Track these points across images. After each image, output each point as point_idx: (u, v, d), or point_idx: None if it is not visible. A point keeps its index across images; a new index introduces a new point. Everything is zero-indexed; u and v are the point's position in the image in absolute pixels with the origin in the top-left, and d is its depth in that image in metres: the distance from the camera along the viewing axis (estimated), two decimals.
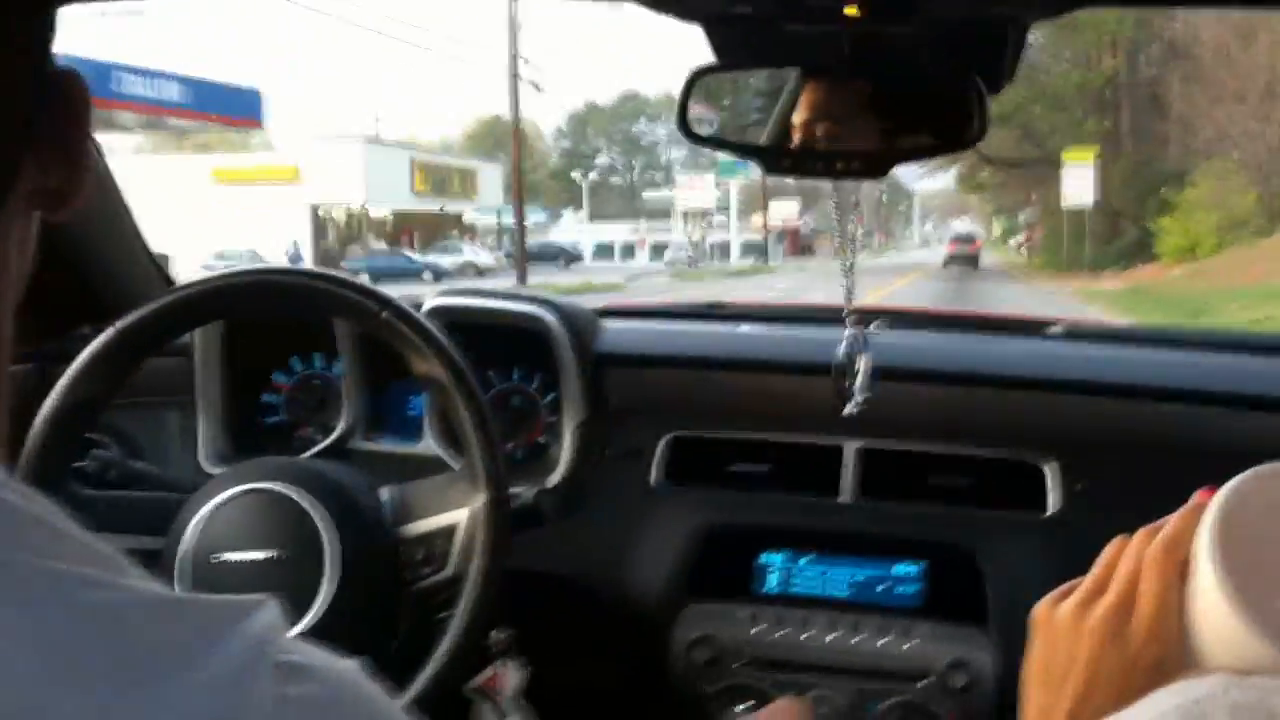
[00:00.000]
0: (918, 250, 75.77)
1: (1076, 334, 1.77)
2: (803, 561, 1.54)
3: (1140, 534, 0.70)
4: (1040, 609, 0.73)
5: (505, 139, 68.05)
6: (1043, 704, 0.71)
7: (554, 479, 1.62)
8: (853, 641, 1.49)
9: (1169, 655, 0.65)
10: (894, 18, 1.07)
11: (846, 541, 1.55)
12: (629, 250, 61.65)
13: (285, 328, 1.68)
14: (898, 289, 26.96)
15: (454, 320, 1.51)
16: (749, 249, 58.88)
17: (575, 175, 75.51)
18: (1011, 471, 1.55)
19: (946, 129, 1.17)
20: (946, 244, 50.48)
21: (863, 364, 1.47)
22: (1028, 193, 48.46)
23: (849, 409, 1.46)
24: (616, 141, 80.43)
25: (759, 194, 57.36)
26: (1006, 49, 1.15)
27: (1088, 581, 0.71)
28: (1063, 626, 0.71)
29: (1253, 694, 0.47)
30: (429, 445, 1.62)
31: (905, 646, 1.48)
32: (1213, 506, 0.63)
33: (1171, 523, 0.68)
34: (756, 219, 61.93)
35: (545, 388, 1.69)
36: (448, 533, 1.30)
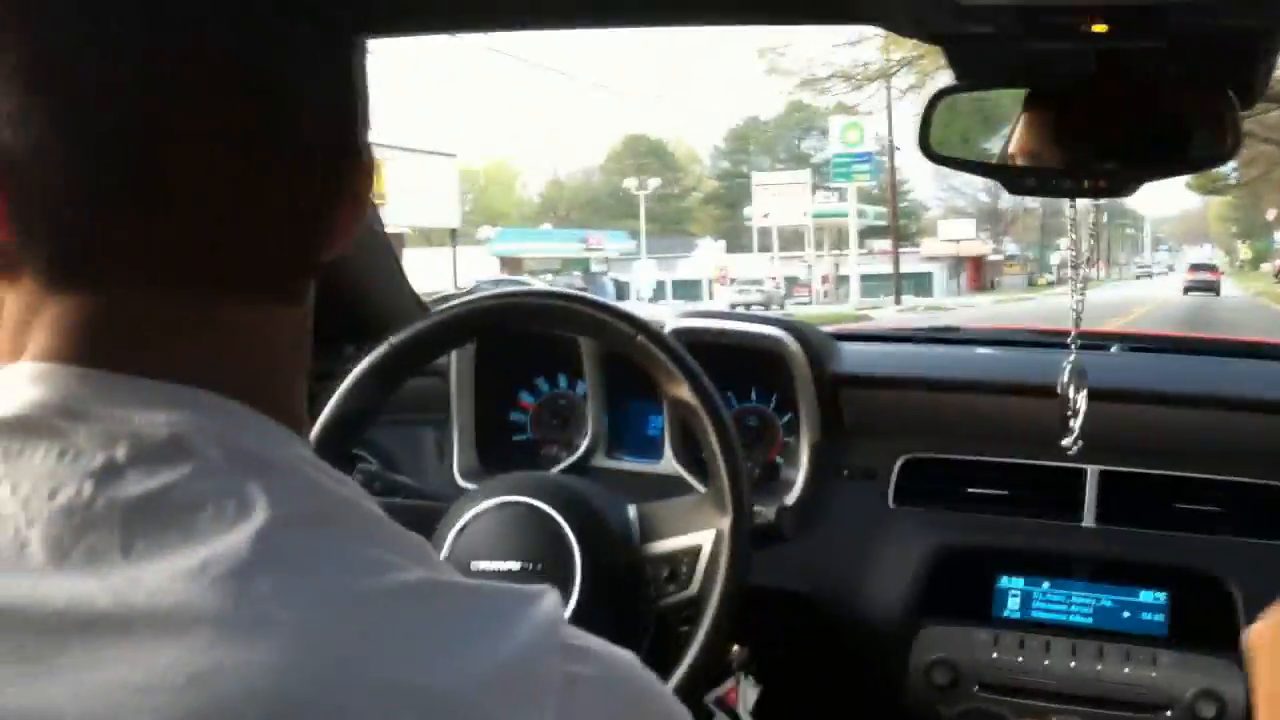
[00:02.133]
0: (1143, 282, 69.84)
1: None
2: (1044, 586, 1.62)
3: None
4: (1260, 632, 0.77)
5: (646, 158, 65.10)
6: None
7: (791, 498, 1.74)
8: (1096, 669, 1.56)
9: None
10: (1142, 33, 1.11)
11: (1086, 566, 1.62)
12: (691, 290, 49.58)
13: (532, 349, 1.86)
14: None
15: (695, 341, 1.65)
16: (875, 282, 46.76)
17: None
18: (1259, 496, 1.61)
19: (1197, 146, 1.23)
20: (1185, 271, 49.33)
21: (1085, 387, 1.52)
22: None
23: (1068, 439, 1.51)
24: (781, 160, 73.97)
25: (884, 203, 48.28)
26: (1259, 62, 1.20)
27: None
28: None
29: None
30: (669, 464, 1.77)
31: (1151, 675, 1.53)
32: None
33: None
34: (929, 244, 55.90)
35: (782, 408, 1.83)
36: (692, 553, 1.40)
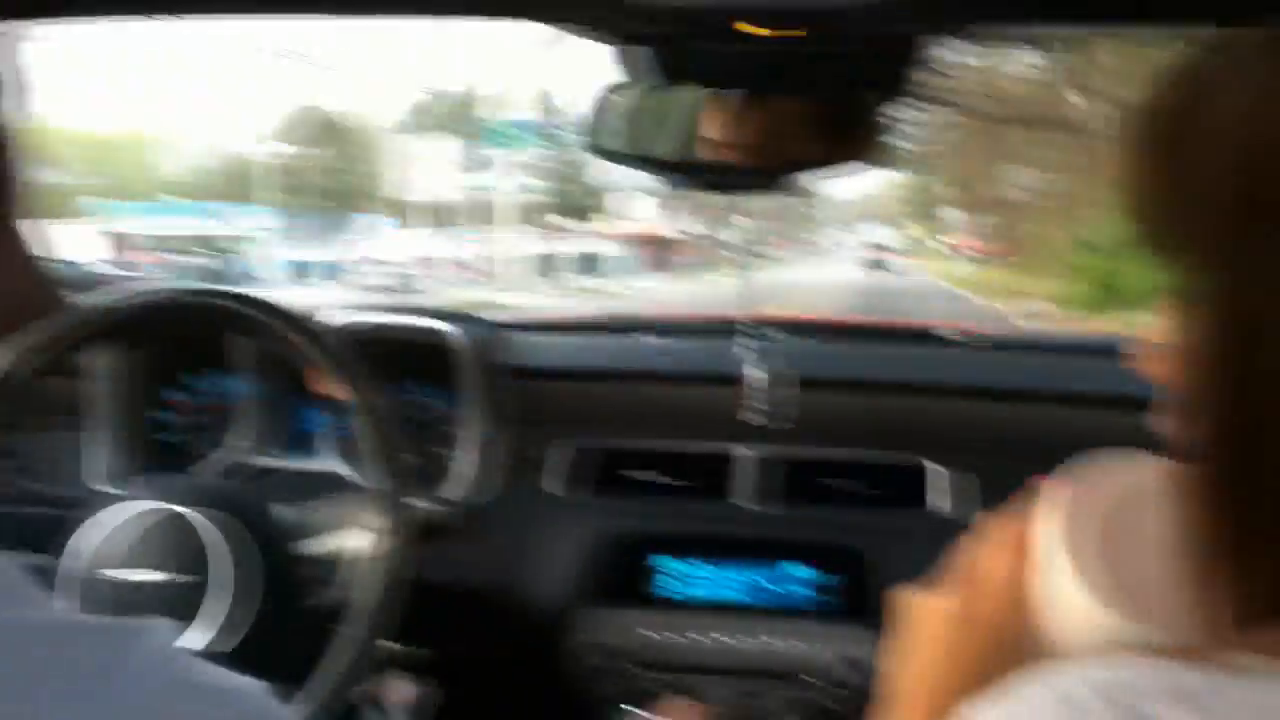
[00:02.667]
0: (825, 263, 72.90)
1: (965, 342, 2.02)
2: (698, 566, 1.74)
3: (994, 523, 0.80)
4: (903, 596, 0.84)
5: (319, 130, 59.93)
6: (905, 686, 0.81)
7: (457, 492, 1.79)
8: (747, 644, 1.69)
9: (1023, 635, 0.74)
10: (794, 35, 1.23)
11: (742, 546, 1.75)
12: (332, 271, 45.33)
13: (184, 344, 1.84)
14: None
15: (358, 336, 1.65)
16: (548, 264, 46.18)
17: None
18: (903, 474, 1.79)
19: (850, 143, 1.35)
20: (865, 250, 53.56)
21: (757, 374, 1.70)
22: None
23: (747, 417, 1.68)
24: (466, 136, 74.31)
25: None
26: (907, 67, 1.33)
27: (947, 572, 0.81)
28: (923, 615, 0.81)
29: (1113, 672, 0.52)
30: (330, 462, 1.78)
31: (800, 646, 1.68)
32: (1062, 494, 0.72)
33: (1021, 511, 0.77)
34: (609, 222, 54.44)
35: (448, 401, 1.87)
36: (351, 552, 1.43)
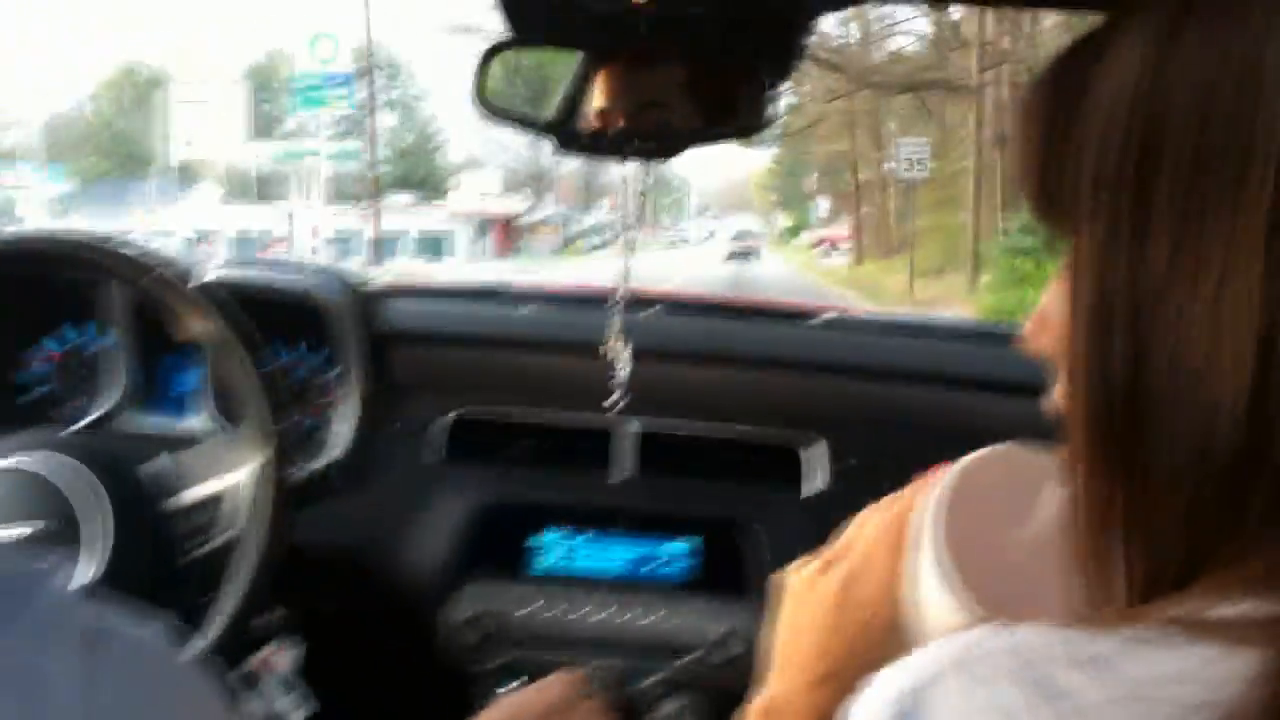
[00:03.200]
0: (690, 247, 70.35)
1: (841, 323, 2.10)
2: (578, 540, 1.79)
3: (880, 505, 0.84)
4: (785, 574, 0.88)
5: (147, 89, 56.89)
6: (784, 664, 0.85)
7: (335, 453, 1.80)
8: (625, 618, 1.75)
9: (897, 619, 0.77)
10: (678, 2, 1.24)
11: (621, 519, 1.80)
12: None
13: (55, 294, 1.80)
14: None
15: (236, 292, 1.65)
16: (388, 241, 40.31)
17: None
18: (779, 450, 1.85)
19: (736, 114, 1.39)
20: (729, 240, 54.13)
21: (628, 346, 1.72)
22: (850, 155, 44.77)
23: (611, 393, 1.70)
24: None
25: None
26: (793, 37, 1.37)
27: (829, 549, 0.86)
28: (804, 590, 0.85)
29: (1016, 638, 0.51)
30: (207, 420, 1.78)
31: (676, 621, 1.75)
32: (939, 484, 0.76)
33: (902, 497, 0.82)
34: (457, 199, 51.17)
35: (329, 362, 1.88)
36: (230, 494, 1.45)
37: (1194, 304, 0.49)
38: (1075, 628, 0.50)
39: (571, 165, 60.20)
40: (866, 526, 0.84)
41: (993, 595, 0.69)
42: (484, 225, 51.62)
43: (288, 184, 40.82)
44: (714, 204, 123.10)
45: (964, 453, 0.81)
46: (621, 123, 1.38)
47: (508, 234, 54.30)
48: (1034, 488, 0.72)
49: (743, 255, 49.23)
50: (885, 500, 0.84)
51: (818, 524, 1.77)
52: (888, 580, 0.79)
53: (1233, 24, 0.50)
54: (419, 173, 58.71)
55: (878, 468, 1.74)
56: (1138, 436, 0.52)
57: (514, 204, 55.32)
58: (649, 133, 1.39)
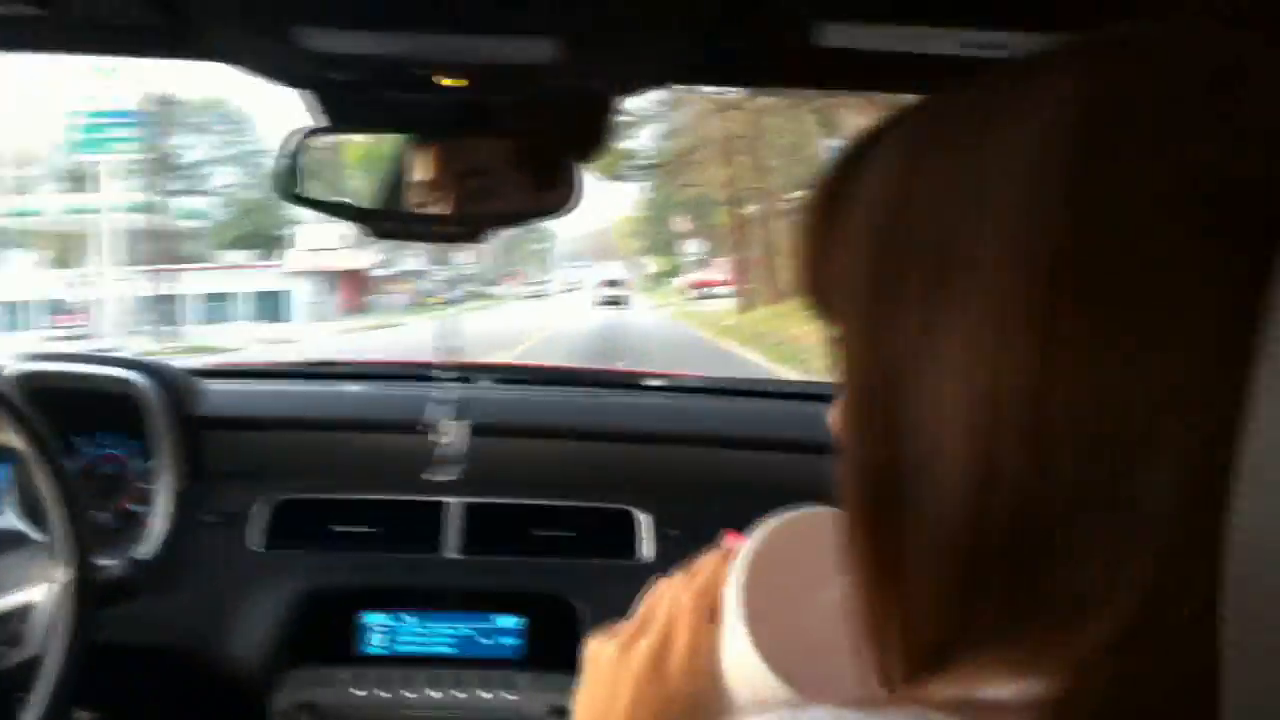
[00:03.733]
0: (551, 298, 67.39)
1: (668, 388, 2.22)
2: (405, 621, 1.85)
3: (678, 576, 0.86)
4: (590, 647, 0.89)
5: None
6: None
7: (147, 549, 1.83)
8: (458, 696, 1.81)
9: (703, 691, 0.80)
10: (493, 90, 1.36)
11: (450, 598, 1.86)
12: None
13: None
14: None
15: (38, 386, 1.68)
16: (216, 303, 42.28)
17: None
18: (608, 521, 1.94)
19: (544, 195, 1.48)
20: (598, 286, 54.23)
21: (453, 422, 1.81)
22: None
23: (436, 470, 1.79)
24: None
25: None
26: (600, 121, 1.48)
27: (633, 622, 0.87)
28: (608, 663, 0.86)
29: None
30: (9, 520, 1.78)
31: (509, 697, 1.81)
32: (740, 552, 0.77)
33: (702, 567, 0.85)
34: (298, 256, 48.00)
35: (144, 454, 1.91)
36: (25, 611, 1.46)
37: (929, 391, 0.53)
38: (855, 710, 0.52)
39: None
40: (667, 598, 0.86)
41: (798, 668, 0.72)
42: (331, 280, 49.84)
43: (86, 245, 38.05)
44: (584, 252, 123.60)
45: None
46: (439, 193, 1.46)
47: (358, 289, 52.68)
48: (835, 551, 0.71)
49: (612, 303, 49.54)
50: (683, 571, 0.87)
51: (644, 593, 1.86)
52: (695, 653, 0.81)
53: (965, 143, 0.55)
54: (267, 230, 56.97)
55: (703, 535, 1.83)
56: (892, 515, 0.55)
57: (363, 258, 52.17)
58: (455, 215, 1.48)
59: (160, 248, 37.33)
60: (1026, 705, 0.48)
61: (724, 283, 51.16)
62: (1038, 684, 0.49)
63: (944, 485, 0.52)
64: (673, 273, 71.79)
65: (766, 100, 30.69)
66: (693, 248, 63.45)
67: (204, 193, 58.72)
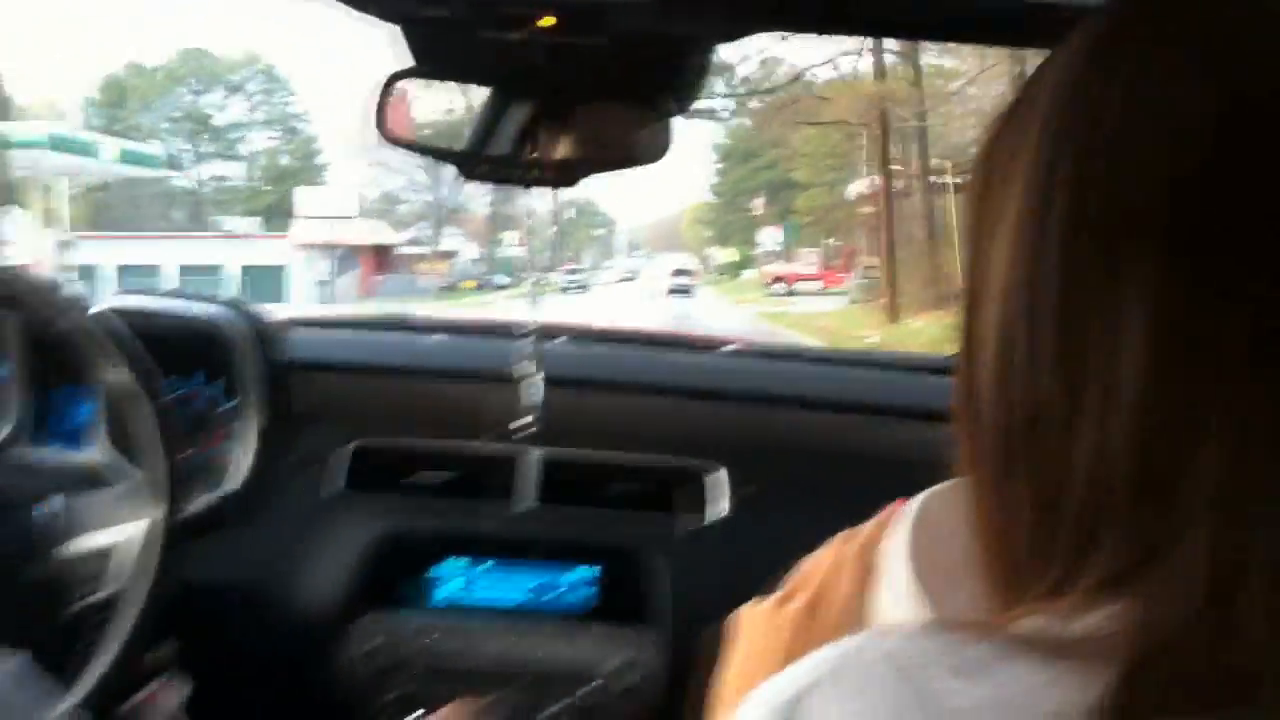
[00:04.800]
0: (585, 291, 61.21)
1: (746, 352, 2.38)
2: (479, 569, 2.02)
3: (837, 539, 0.95)
4: (741, 611, 0.97)
5: None
6: (736, 696, 0.90)
7: (233, 485, 2.02)
8: (524, 648, 1.98)
9: None
10: (585, 31, 1.44)
11: (524, 548, 2.04)
12: None
13: None
14: None
15: (132, 322, 1.81)
16: (199, 276, 38.80)
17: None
18: (683, 478, 2.10)
19: (635, 144, 1.62)
20: (669, 275, 54.88)
21: (536, 376, 1.98)
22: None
23: (521, 420, 1.96)
24: (174, 119, 66.21)
25: None
26: (690, 69, 1.60)
27: (788, 583, 0.96)
28: (760, 623, 0.94)
29: (894, 643, 0.58)
30: (102, 452, 1.92)
31: (575, 651, 1.98)
32: (907, 516, 0.85)
33: (867, 529, 0.93)
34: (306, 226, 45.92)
35: (229, 392, 2.09)
36: (118, 548, 1.59)
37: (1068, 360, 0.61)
38: (949, 635, 0.58)
39: (480, 198, 58.11)
40: (824, 560, 0.95)
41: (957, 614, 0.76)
42: (346, 257, 47.59)
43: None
44: (646, 243, 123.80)
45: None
46: (536, 154, 1.61)
47: (381, 267, 50.46)
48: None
49: (681, 291, 49.99)
50: (842, 534, 0.96)
51: (719, 552, 2.06)
52: (849, 609, 0.89)
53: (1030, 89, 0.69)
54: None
55: (777, 495, 2.01)
56: (1004, 467, 0.64)
57: (380, 232, 51.93)
58: (547, 160, 1.62)
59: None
60: (1105, 638, 0.55)
61: (813, 276, 49.67)
62: (1120, 613, 0.56)
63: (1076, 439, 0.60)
64: (744, 264, 71.01)
65: None
66: (769, 236, 62.25)
67: (235, 156, 58.55)
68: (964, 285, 0.70)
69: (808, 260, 53.90)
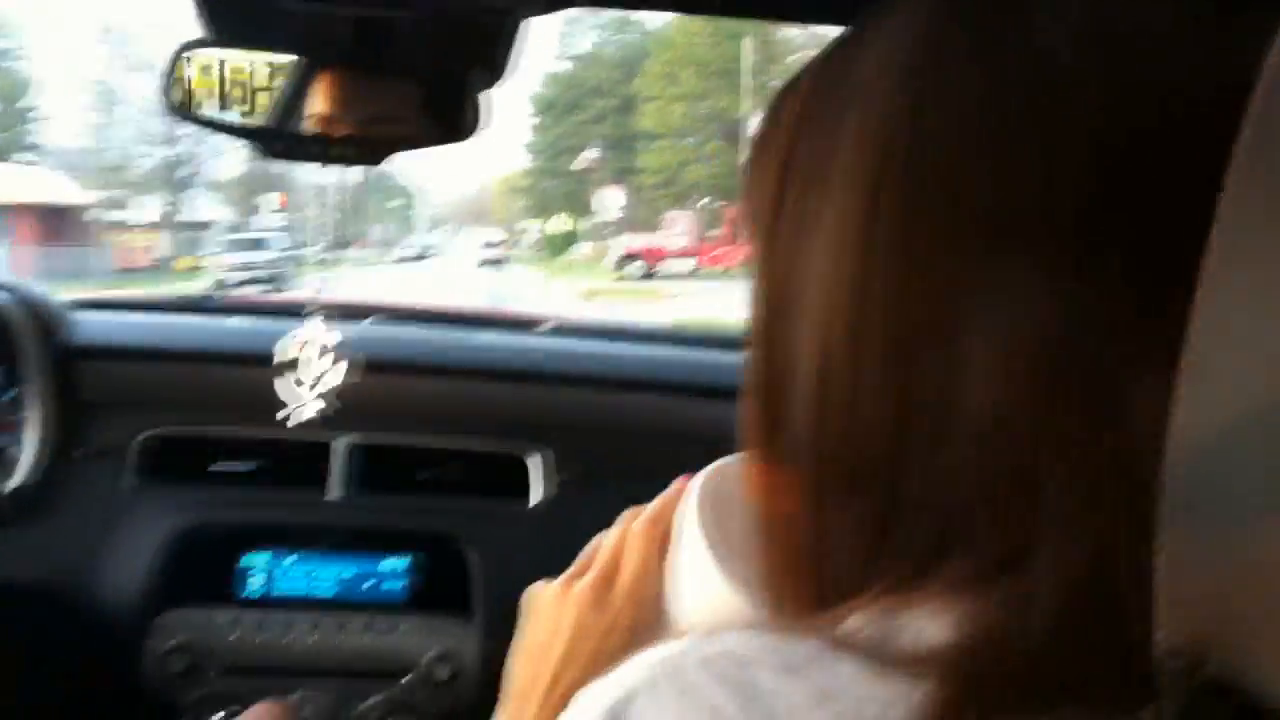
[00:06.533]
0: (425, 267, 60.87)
1: (564, 330, 2.63)
2: (287, 561, 2.23)
3: (626, 514, 1.06)
4: (533, 589, 1.08)
5: None
6: (528, 675, 1.02)
7: (16, 480, 2.19)
8: (337, 641, 2.19)
9: (646, 617, 0.97)
10: (392, 3, 1.55)
11: (335, 538, 2.24)
12: None
13: None
14: None
15: None
16: None
17: None
18: (501, 463, 2.33)
19: (444, 120, 1.72)
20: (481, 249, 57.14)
21: (331, 356, 2.15)
22: None
23: (303, 406, 2.12)
24: None
25: None
26: (503, 42, 1.67)
27: (579, 559, 1.07)
28: (551, 600, 1.04)
29: (719, 645, 0.61)
30: None
31: (390, 643, 2.19)
32: (696, 486, 0.95)
33: (656, 502, 1.04)
34: None
35: (10, 382, 2.25)
36: None
37: (811, 305, 0.67)
38: (773, 634, 0.62)
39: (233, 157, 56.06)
40: (614, 533, 1.06)
41: (752, 588, 0.86)
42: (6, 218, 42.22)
43: None
44: (452, 217, 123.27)
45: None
46: (347, 131, 1.71)
47: (51, 235, 44.72)
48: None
49: (492, 264, 51.95)
50: (631, 509, 1.08)
51: (540, 536, 2.29)
52: (640, 580, 1.00)
53: (834, 66, 0.71)
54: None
55: (597, 478, 2.26)
56: (789, 449, 0.69)
57: (63, 189, 47.07)
58: (350, 137, 1.72)
59: None
60: (939, 652, 0.58)
61: (685, 252, 45.25)
62: (950, 629, 0.59)
63: (828, 402, 0.66)
64: (572, 238, 67.54)
65: None
66: (610, 200, 57.50)
67: None
68: (760, 288, 0.72)
69: (675, 229, 47.91)
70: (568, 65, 60.98)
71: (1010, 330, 0.59)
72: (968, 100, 0.61)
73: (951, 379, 0.60)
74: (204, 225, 57.15)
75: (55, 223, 46.18)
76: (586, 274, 47.54)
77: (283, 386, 2.21)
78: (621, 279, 42.32)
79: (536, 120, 72.38)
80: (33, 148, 55.40)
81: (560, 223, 70.76)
